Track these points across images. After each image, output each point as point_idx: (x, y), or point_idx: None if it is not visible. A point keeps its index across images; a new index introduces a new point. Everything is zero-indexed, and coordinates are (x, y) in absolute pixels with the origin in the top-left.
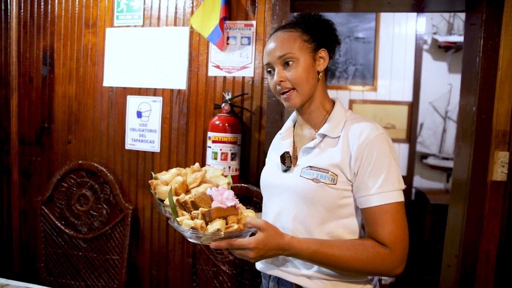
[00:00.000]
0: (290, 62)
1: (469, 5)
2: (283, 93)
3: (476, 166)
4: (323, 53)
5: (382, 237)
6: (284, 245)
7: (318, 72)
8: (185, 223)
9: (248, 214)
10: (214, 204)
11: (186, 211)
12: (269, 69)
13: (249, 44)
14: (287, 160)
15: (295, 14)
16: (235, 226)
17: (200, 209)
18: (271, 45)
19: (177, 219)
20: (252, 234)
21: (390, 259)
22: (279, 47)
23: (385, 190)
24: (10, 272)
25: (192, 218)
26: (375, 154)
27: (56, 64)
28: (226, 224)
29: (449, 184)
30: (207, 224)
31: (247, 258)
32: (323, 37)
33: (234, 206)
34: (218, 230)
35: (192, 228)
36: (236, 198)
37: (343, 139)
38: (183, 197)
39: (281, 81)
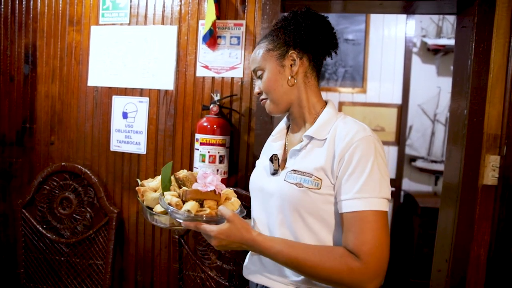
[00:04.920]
0: (259, 73)
1: (460, 8)
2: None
3: (467, 169)
4: (293, 55)
5: (354, 246)
6: (248, 240)
7: (293, 77)
8: (166, 197)
9: (232, 202)
10: (194, 185)
11: (178, 187)
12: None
13: (238, 44)
14: (275, 163)
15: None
16: (207, 211)
17: (183, 188)
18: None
19: (164, 192)
20: None
21: (359, 272)
22: (251, 62)
23: (364, 196)
24: None
25: (178, 194)
26: (356, 156)
27: (39, 63)
28: (202, 207)
29: (437, 187)
30: (184, 203)
31: (212, 244)
32: (294, 38)
33: (214, 192)
34: (189, 211)
35: (168, 204)
36: (223, 185)
37: (330, 141)
38: (180, 172)
39: (258, 92)
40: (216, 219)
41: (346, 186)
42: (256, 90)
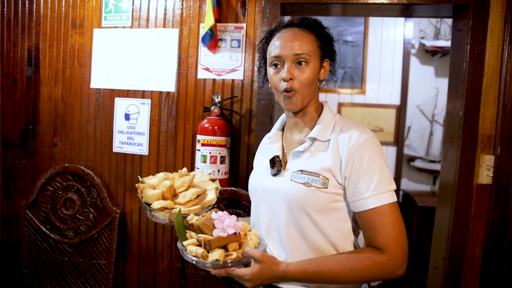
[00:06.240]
0: (303, 63)
1: (456, 11)
2: (287, 92)
3: (463, 169)
4: (326, 63)
5: (380, 240)
6: (280, 274)
7: (319, 80)
8: (189, 249)
9: (251, 238)
10: (215, 232)
11: (193, 232)
12: (275, 63)
13: (239, 47)
14: (277, 164)
15: (298, 16)
16: (234, 255)
17: (203, 236)
18: (287, 38)
19: (184, 243)
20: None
21: (388, 264)
22: (297, 44)
23: (379, 192)
24: None
25: (198, 241)
26: (365, 157)
27: (42, 65)
28: (227, 251)
29: (436, 186)
30: (209, 252)
31: (246, 286)
32: (329, 48)
33: (235, 234)
34: (217, 260)
35: (194, 256)
36: (239, 222)
37: (333, 143)
38: (191, 218)
39: (291, 79)
40: (243, 261)
41: (361, 186)
42: (288, 76)
